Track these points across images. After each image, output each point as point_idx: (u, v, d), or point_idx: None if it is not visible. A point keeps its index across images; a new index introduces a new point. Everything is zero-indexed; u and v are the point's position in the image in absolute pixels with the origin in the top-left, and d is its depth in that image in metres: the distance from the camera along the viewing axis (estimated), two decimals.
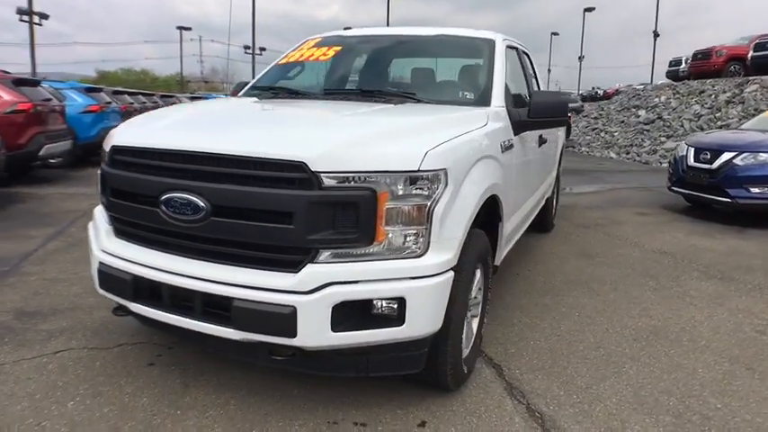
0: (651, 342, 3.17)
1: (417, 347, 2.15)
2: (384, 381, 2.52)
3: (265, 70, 3.80)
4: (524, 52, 4.42)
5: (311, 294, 1.92)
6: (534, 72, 4.67)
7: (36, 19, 25.07)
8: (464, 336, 2.51)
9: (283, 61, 3.80)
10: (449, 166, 2.08)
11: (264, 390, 2.50)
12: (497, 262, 3.02)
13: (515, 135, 3.09)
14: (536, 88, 4.57)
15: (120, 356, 2.78)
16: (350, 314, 1.97)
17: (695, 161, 6.74)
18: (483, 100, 3.03)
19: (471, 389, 2.58)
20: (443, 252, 2.07)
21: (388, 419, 2.31)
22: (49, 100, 8.34)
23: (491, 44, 3.42)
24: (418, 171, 1.98)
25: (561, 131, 5.81)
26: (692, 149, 6.87)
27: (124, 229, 2.34)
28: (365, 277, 1.95)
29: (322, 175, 1.90)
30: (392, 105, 2.82)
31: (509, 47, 3.72)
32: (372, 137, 2.15)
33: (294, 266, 1.95)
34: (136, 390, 2.47)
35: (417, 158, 1.99)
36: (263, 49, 40.76)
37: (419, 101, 3.00)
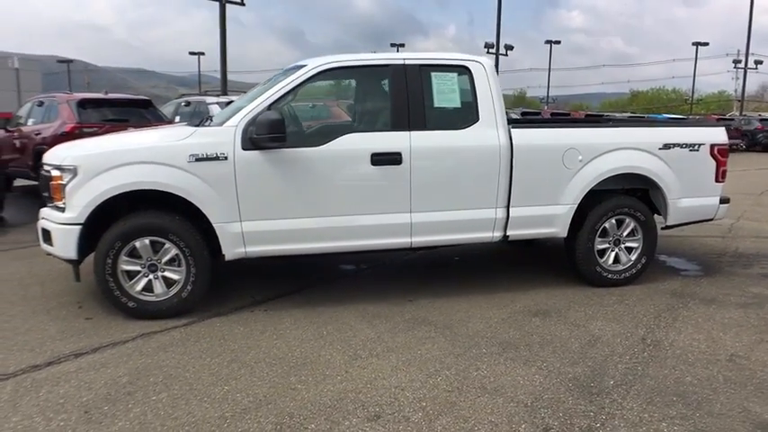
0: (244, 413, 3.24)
1: (75, 266, 3.85)
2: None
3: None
4: (431, 66, 4.16)
5: (39, 222, 4.00)
6: (452, 88, 4.21)
7: (503, 50, 33.00)
8: (138, 282, 3.81)
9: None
10: (79, 164, 3.69)
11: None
12: (225, 251, 3.87)
13: (249, 150, 3.77)
14: (456, 106, 4.22)
15: None
16: (48, 235, 3.90)
17: None
18: (225, 120, 3.98)
19: (135, 324, 3.78)
20: (71, 212, 3.71)
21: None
22: None
23: (297, 69, 4.06)
24: (61, 165, 3.74)
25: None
26: None
27: None
28: (47, 218, 3.88)
29: (45, 164, 3.96)
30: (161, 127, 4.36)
31: (343, 68, 4.14)
32: (77, 147, 4.01)
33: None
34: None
35: (62, 158, 3.75)
36: None
37: (200, 124, 4.16)
